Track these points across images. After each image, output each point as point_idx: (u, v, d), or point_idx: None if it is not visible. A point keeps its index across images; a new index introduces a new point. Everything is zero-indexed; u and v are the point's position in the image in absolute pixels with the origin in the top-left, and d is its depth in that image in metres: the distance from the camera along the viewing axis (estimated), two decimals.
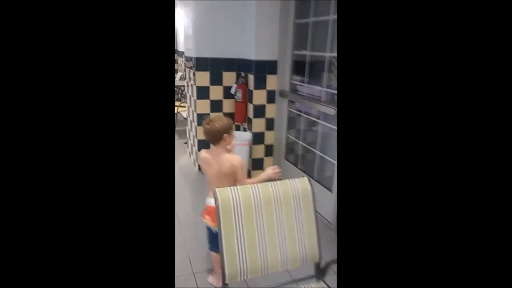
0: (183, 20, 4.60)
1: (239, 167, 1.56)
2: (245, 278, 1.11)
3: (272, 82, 2.79)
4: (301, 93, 2.72)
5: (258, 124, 2.88)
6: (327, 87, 2.39)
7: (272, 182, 1.20)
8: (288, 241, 1.17)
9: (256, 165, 3.01)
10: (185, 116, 3.93)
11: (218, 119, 1.62)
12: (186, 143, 3.78)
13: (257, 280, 1.28)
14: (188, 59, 3.16)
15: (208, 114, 2.94)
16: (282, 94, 2.85)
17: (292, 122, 2.90)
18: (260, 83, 2.77)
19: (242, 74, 2.89)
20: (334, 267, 1.46)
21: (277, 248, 1.15)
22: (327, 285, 1.23)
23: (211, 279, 1.76)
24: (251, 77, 2.78)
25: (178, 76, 5.68)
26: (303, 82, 2.70)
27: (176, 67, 7.46)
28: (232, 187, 1.14)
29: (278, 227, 1.16)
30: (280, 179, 1.45)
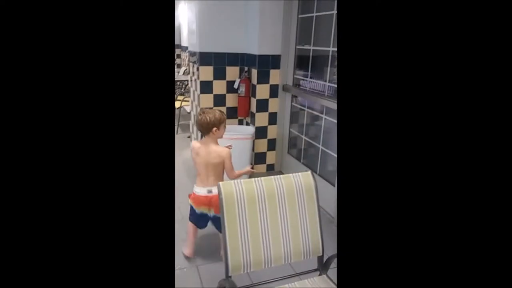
0: (187, 15, 4.59)
1: (227, 157, 1.69)
2: (248, 271, 1.12)
3: (275, 76, 2.79)
4: (304, 88, 2.72)
5: (261, 119, 2.89)
6: (330, 81, 2.38)
7: (275, 176, 1.21)
8: (291, 235, 1.18)
9: (259, 159, 3.02)
10: (188, 111, 3.94)
11: (211, 112, 1.72)
12: (189, 137, 3.80)
13: (259, 273, 1.30)
14: (192, 53, 3.16)
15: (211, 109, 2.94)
16: (285, 88, 2.85)
17: (295, 116, 2.91)
18: (263, 78, 2.77)
19: (246, 68, 2.89)
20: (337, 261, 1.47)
21: (280, 242, 1.17)
22: (329, 278, 1.24)
23: (183, 248, 1.87)
24: (254, 72, 2.78)
25: (181, 70, 5.68)
26: (306, 77, 2.69)
27: (179, 62, 7.45)
28: (235, 181, 1.15)
29: (282, 221, 1.17)
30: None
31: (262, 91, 2.81)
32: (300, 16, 2.65)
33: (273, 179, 1.20)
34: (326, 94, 2.43)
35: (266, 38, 2.67)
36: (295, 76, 2.81)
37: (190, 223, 1.86)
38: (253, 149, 2.90)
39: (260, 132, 2.92)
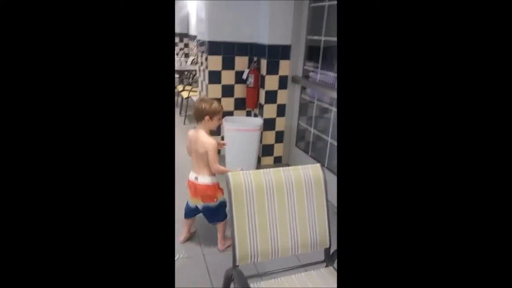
0: (196, 3, 4.54)
1: (211, 149, 1.69)
2: (256, 261, 1.12)
3: (285, 67, 2.76)
4: (314, 79, 2.68)
5: (269, 110, 2.87)
6: None
7: (284, 168, 1.20)
8: (299, 226, 1.18)
9: (266, 151, 3.01)
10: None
11: (208, 102, 1.73)
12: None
13: (265, 264, 1.30)
14: (201, 43, 3.13)
15: (219, 100, 2.93)
16: (295, 80, 2.82)
17: (304, 108, 2.88)
18: (273, 68, 2.74)
19: (255, 59, 2.86)
20: None
21: (288, 233, 1.16)
22: (336, 270, 1.24)
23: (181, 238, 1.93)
24: (263, 62, 2.75)
25: (189, 60, 5.66)
26: (316, 68, 2.66)
27: (187, 51, 7.42)
28: (244, 172, 1.14)
29: (289, 212, 1.17)
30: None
31: (271, 82, 2.78)
32: (311, 5, 2.60)
33: (282, 170, 1.19)
34: (336, 86, 2.39)
35: (277, 27, 2.63)
36: (305, 67, 2.77)
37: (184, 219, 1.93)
38: (260, 141, 2.89)
39: (268, 124, 2.91)
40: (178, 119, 4.42)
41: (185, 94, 4.33)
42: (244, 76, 2.90)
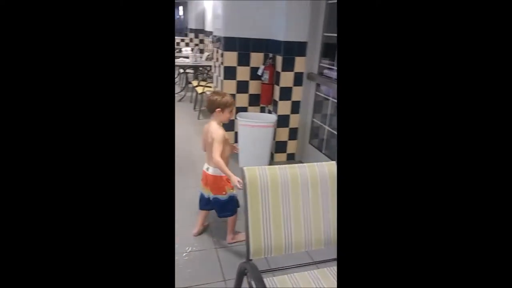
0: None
1: (216, 139, 1.70)
2: (269, 255, 1.13)
3: (300, 64, 2.74)
4: (329, 77, 2.66)
5: (284, 107, 2.86)
6: None
7: (299, 164, 1.20)
8: (313, 223, 1.18)
9: (280, 148, 3.01)
10: None
11: (220, 94, 1.78)
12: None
13: (277, 259, 1.30)
14: (217, 39, 3.14)
15: (234, 95, 2.94)
16: (310, 77, 2.80)
17: (318, 106, 2.86)
18: (288, 65, 2.73)
19: (270, 55, 2.85)
20: None
21: (302, 229, 1.16)
22: None
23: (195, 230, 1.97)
24: (279, 59, 2.74)
25: (204, 56, 5.69)
26: (332, 65, 2.63)
27: (202, 47, 7.45)
28: (259, 167, 1.15)
29: (304, 208, 1.17)
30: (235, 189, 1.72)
31: (286, 78, 2.77)
32: (329, 2, 2.57)
33: (297, 166, 1.19)
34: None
35: (293, 24, 2.62)
36: (320, 64, 2.75)
37: (199, 210, 1.96)
38: (274, 138, 2.89)
39: (282, 121, 2.90)
40: (193, 114, 4.46)
41: (199, 90, 4.36)
42: (259, 72, 2.90)
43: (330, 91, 2.67)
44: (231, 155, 1.94)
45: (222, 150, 1.72)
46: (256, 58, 2.91)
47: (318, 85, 2.80)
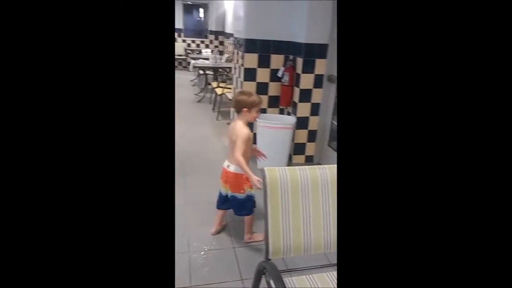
0: (234, 2, 4.60)
1: (240, 137, 1.72)
2: (288, 256, 1.14)
3: (321, 66, 2.73)
4: None
5: (303, 109, 2.86)
6: None
7: (320, 166, 1.20)
8: (333, 224, 1.17)
9: (298, 150, 3.00)
10: (230, 98, 4.00)
11: (247, 94, 1.80)
12: (228, 123, 3.86)
13: (294, 260, 1.30)
14: (237, 40, 3.18)
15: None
16: (330, 79, 2.78)
17: None
18: (309, 67, 2.72)
19: (291, 57, 2.86)
20: None
21: (322, 230, 1.16)
22: None
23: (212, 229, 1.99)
24: (299, 61, 2.74)
25: (224, 57, 5.76)
26: None
27: (222, 49, 7.54)
28: (279, 167, 1.15)
29: (324, 210, 1.17)
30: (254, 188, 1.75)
31: (307, 80, 2.76)
32: None
33: (317, 168, 1.19)
34: None
35: (314, 26, 2.61)
36: None
37: (217, 210, 1.98)
38: (293, 139, 2.89)
39: (301, 123, 2.90)
40: (212, 115, 4.52)
41: (219, 91, 4.41)
42: (280, 74, 2.91)
43: None
44: (252, 157, 1.96)
45: (245, 150, 1.73)
46: (276, 60, 2.92)
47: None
